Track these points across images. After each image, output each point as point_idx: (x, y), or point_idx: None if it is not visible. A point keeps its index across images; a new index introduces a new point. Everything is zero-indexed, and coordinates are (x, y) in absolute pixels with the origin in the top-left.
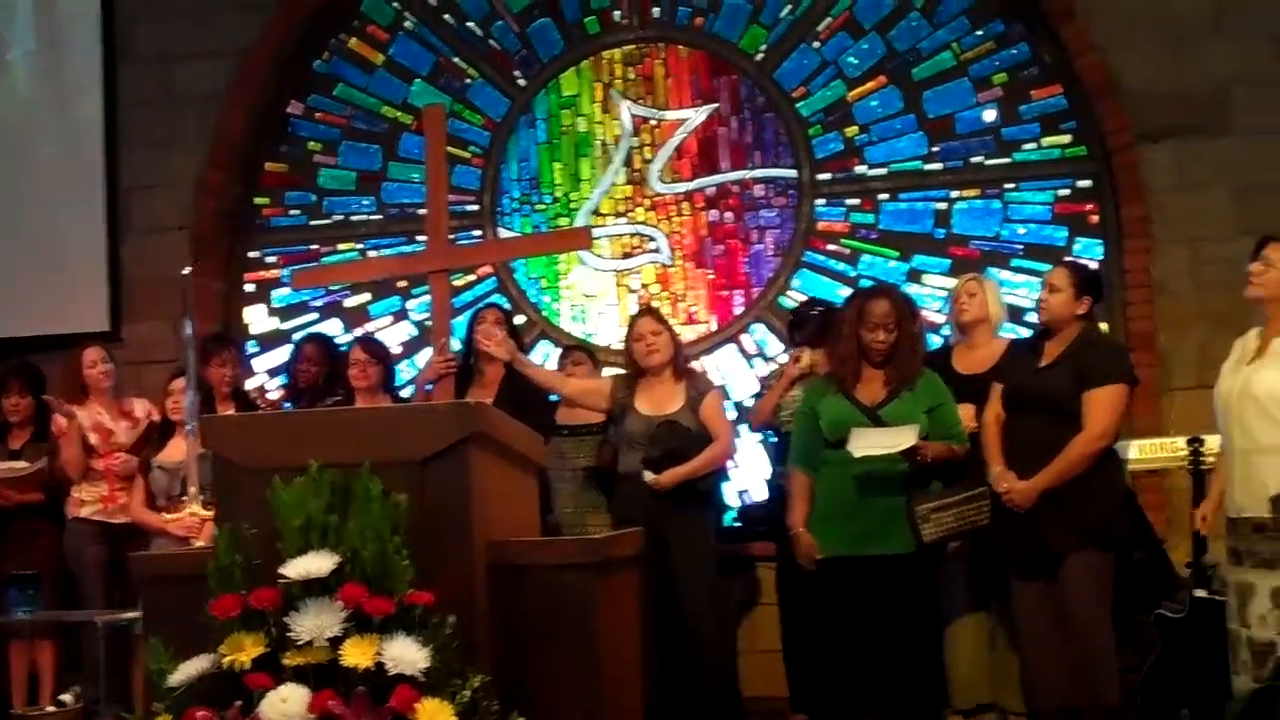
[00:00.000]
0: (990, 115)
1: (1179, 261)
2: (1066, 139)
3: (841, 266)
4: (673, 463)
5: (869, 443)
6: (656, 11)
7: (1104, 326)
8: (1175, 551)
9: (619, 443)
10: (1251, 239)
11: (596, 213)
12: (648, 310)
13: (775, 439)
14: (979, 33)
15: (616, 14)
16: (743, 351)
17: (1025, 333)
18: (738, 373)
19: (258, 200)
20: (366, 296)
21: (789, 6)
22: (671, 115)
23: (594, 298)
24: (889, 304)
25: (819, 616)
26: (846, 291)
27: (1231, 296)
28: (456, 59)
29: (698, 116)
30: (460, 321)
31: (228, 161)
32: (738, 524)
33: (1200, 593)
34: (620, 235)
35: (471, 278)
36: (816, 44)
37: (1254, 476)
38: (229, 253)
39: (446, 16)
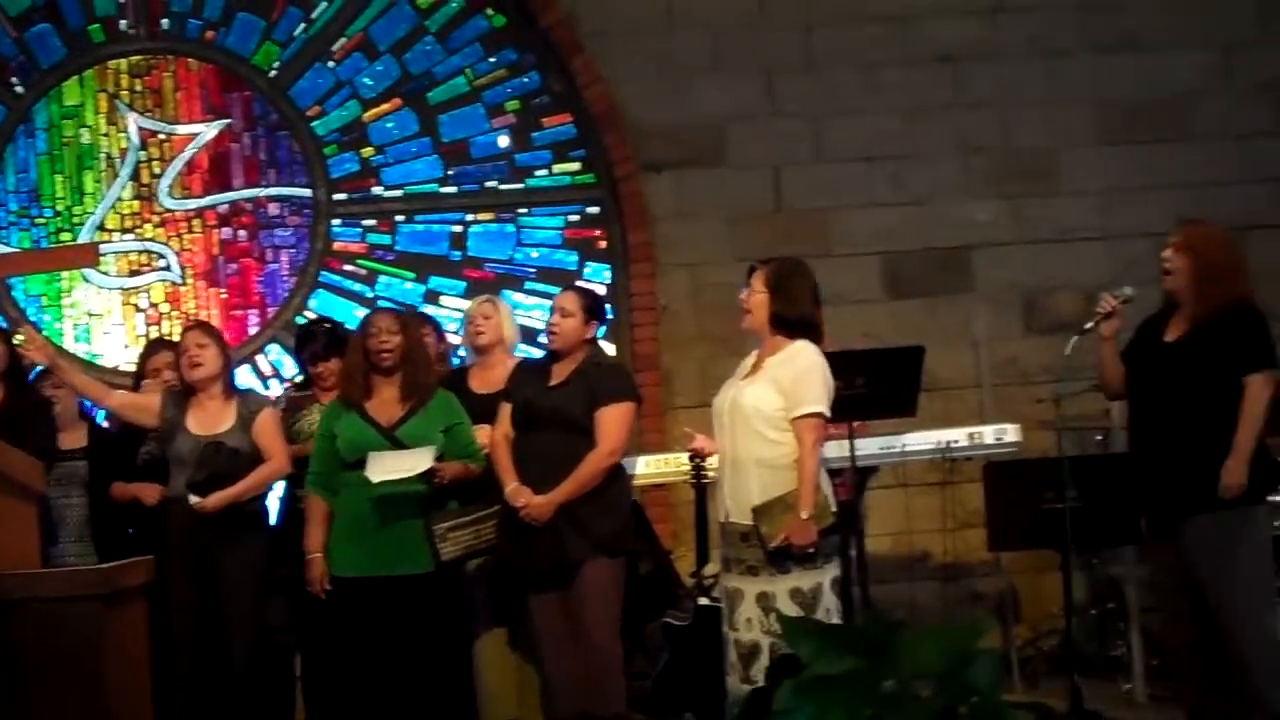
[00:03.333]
0: (504, 141)
1: (680, 285)
2: (576, 166)
3: (359, 287)
4: (218, 485)
5: (386, 467)
6: (165, 23)
7: (610, 348)
8: (680, 562)
9: (171, 463)
10: (745, 265)
11: (102, 228)
12: (198, 324)
13: None
14: (492, 60)
15: (123, 23)
16: (258, 372)
17: (538, 354)
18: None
19: None
20: None
21: (303, 25)
22: (182, 130)
23: (99, 316)
24: (391, 315)
25: (340, 638)
26: (364, 312)
27: (729, 319)
28: None
29: (209, 131)
30: None
31: None
32: None
33: (703, 600)
34: (127, 252)
35: None
36: (331, 63)
37: (740, 487)
38: None
39: None
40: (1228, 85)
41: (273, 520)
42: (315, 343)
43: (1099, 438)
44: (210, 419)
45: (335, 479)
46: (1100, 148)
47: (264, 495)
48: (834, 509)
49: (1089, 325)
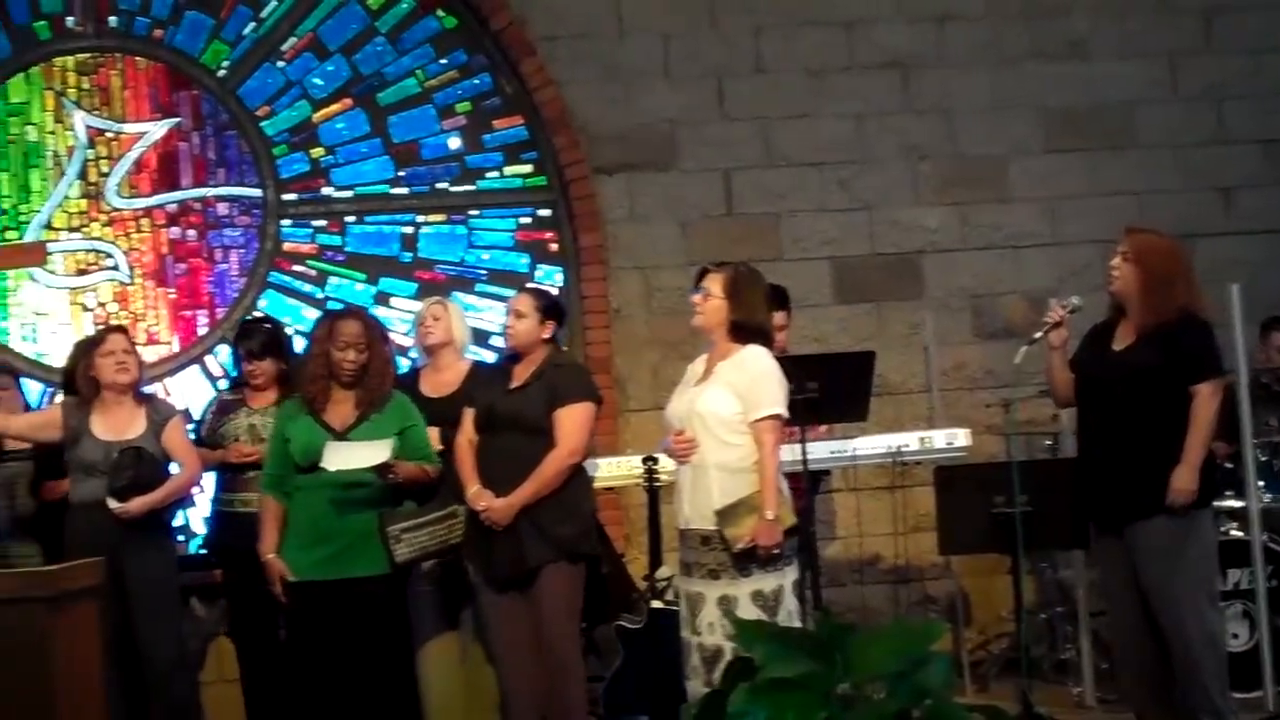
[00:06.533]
0: (455, 143)
1: (633, 289)
2: (528, 169)
3: (309, 288)
4: (139, 490)
5: (343, 457)
6: (113, 20)
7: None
8: (633, 565)
9: (72, 469)
10: (696, 268)
11: (49, 227)
12: (120, 328)
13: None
14: (443, 61)
15: (70, 20)
16: (207, 373)
17: (489, 356)
18: (202, 395)
19: None
20: None
21: (252, 24)
22: (130, 128)
23: (46, 316)
24: (360, 325)
25: (294, 641)
26: (313, 313)
27: (680, 323)
28: None
29: (157, 130)
30: None
31: None
32: (203, 551)
33: (657, 604)
34: (75, 251)
35: None
36: (281, 63)
37: (700, 491)
38: None
39: None
40: (1172, 94)
41: (204, 526)
42: (251, 341)
43: (1048, 442)
44: (119, 424)
45: (289, 481)
46: (1047, 155)
47: (177, 501)
48: (793, 511)
49: (1038, 335)
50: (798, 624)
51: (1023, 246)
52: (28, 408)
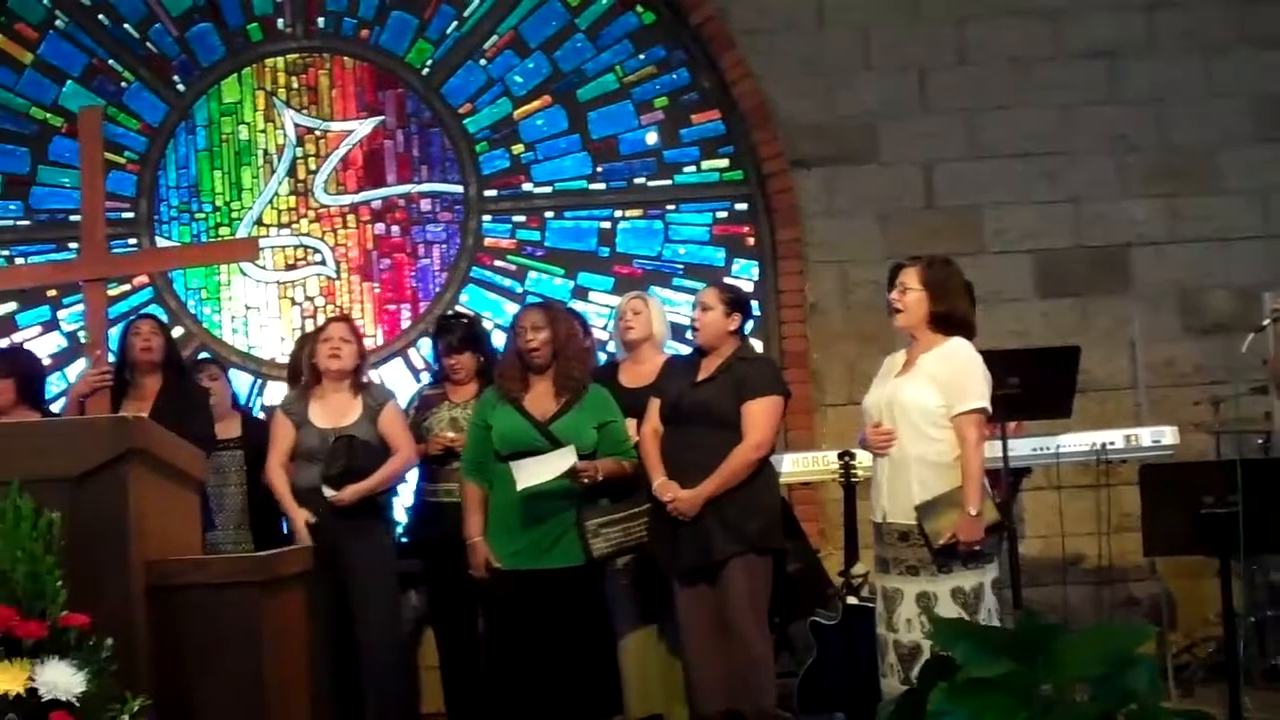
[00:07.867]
0: (652, 138)
1: (829, 283)
2: (724, 163)
3: (509, 283)
4: (354, 478)
5: (531, 474)
6: (321, 21)
7: (759, 345)
8: (828, 561)
9: (294, 456)
10: (891, 263)
11: (259, 223)
12: (344, 318)
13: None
14: (641, 57)
15: (280, 22)
16: (410, 366)
17: (686, 350)
18: (405, 388)
19: None
20: (12, 305)
21: (455, 23)
22: (336, 126)
23: (256, 309)
24: (539, 310)
25: (492, 630)
26: (513, 307)
27: (878, 317)
28: (112, 61)
29: (363, 128)
30: (115, 333)
31: None
32: (405, 540)
33: (852, 600)
34: (284, 246)
35: (126, 287)
36: (483, 61)
37: (900, 485)
38: None
39: (101, 17)
40: None
41: (405, 515)
42: (450, 335)
43: (1259, 441)
44: (335, 411)
45: (489, 468)
46: (1258, 144)
47: (393, 487)
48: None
49: (1266, 321)
50: (997, 622)
51: (1233, 239)
52: (235, 399)
